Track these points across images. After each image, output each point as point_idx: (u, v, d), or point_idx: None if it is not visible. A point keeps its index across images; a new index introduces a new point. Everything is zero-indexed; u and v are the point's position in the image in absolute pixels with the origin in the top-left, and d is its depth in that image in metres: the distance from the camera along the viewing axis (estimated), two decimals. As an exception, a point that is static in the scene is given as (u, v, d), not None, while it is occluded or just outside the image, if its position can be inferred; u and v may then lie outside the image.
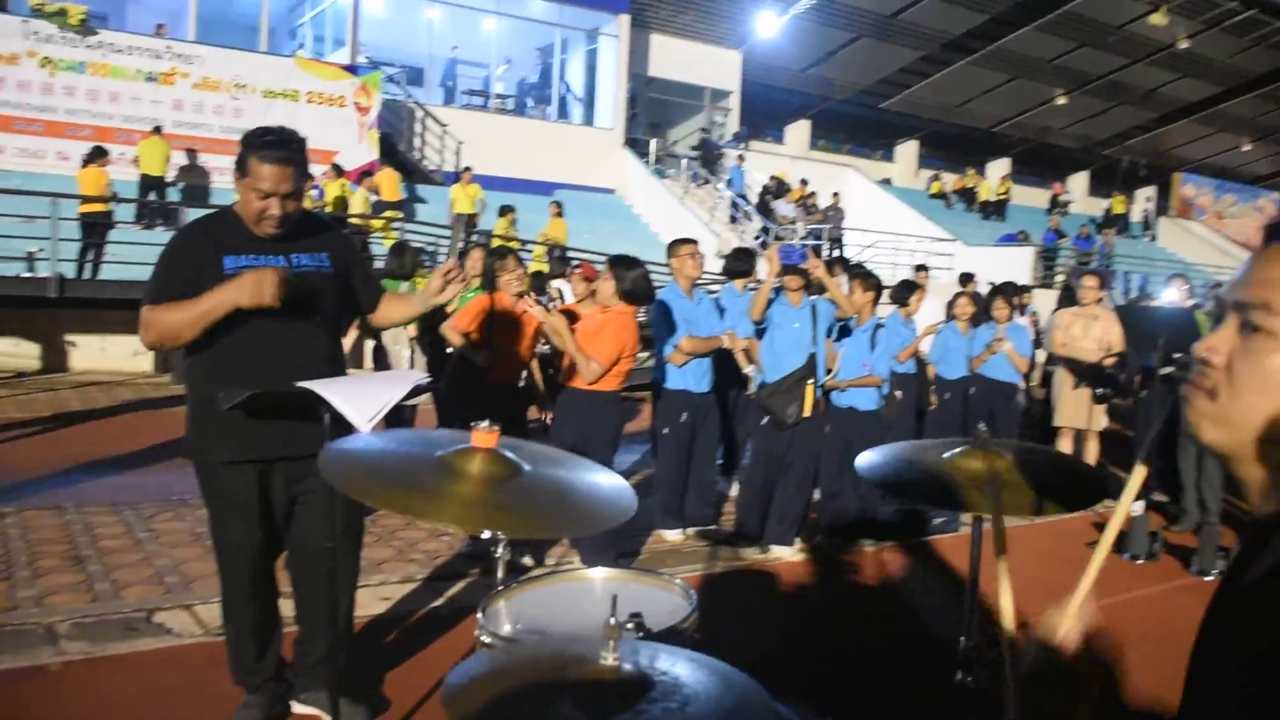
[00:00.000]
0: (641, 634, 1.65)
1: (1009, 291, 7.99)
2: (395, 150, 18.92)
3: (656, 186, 21.70)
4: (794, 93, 27.53)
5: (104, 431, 8.82)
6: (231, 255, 3.07)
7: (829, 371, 6.19)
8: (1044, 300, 15.53)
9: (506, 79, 22.38)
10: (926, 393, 8.14)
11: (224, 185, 16.15)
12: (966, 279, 10.36)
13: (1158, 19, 24.77)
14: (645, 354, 7.78)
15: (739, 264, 7.35)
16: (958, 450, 2.30)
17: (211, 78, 16.66)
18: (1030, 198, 29.65)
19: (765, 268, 6.32)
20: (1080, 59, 27.64)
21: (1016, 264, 19.17)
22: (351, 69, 18.14)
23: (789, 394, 5.77)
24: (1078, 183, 33.46)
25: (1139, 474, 1.27)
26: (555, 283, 10.14)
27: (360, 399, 2.77)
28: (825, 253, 18.72)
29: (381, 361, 7.00)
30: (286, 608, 3.42)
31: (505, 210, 15.89)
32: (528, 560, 5.44)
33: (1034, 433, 9.32)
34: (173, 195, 15.73)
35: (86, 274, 12.44)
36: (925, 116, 29.74)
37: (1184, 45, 26.75)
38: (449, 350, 6.04)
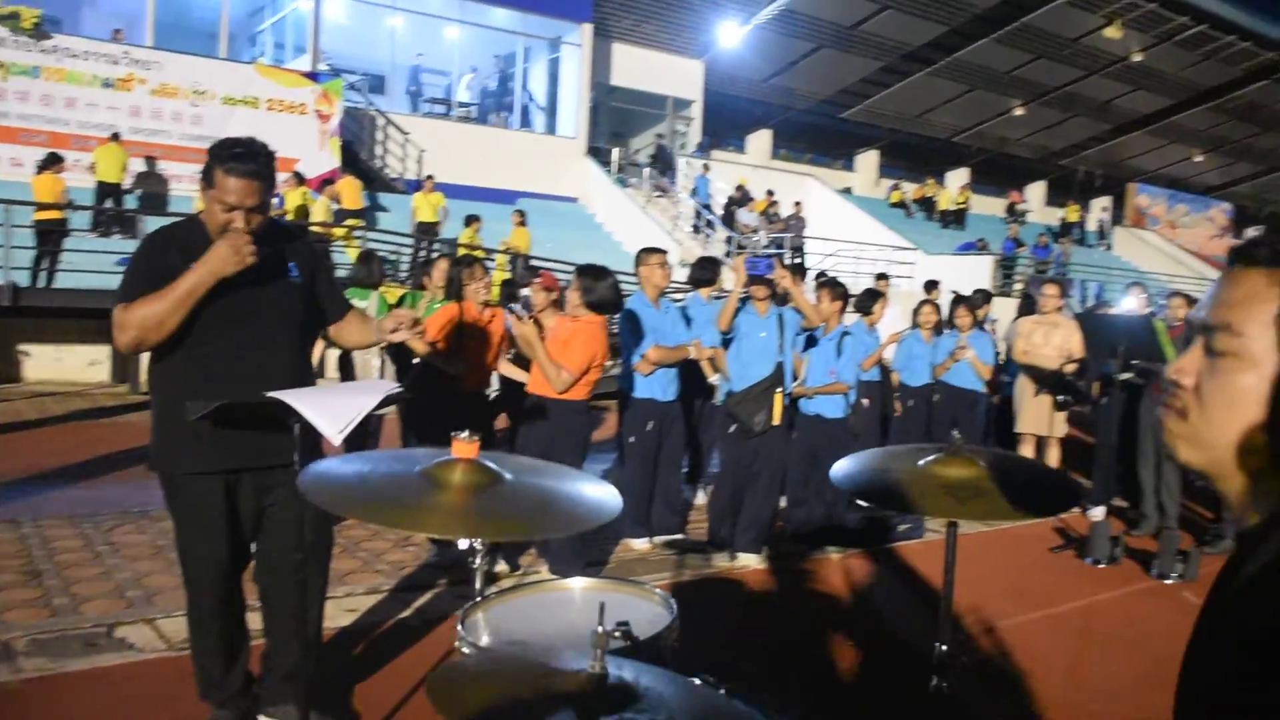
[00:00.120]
0: (629, 642, 1.64)
1: (975, 301, 8.08)
2: (357, 158, 18.81)
3: (619, 195, 21.72)
4: (755, 102, 27.75)
5: (60, 443, 8.66)
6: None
7: (796, 379, 6.22)
8: (1003, 308, 15.71)
9: (470, 87, 22.31)
10: (891, 400, 8.22)
11: (183, 193, 15.96)
12: (931, 286, 10.44)
13: (1112, 32, 25.28)
14: (610, 362, 7.77)
15: (704, 273, 7.36)
16: (932, 457, 2.33)
17: (170, 84, 16.48)
18: (989, 207, 30.04)
19: (732, 278, 6.34)
20: (1037, 71, 28.13)
21: (976, 272, 19.35)
22: (313, 76, 18.00)
23: (757, 402, 5.80)
24: (1035, 192, 33.93)
25: None
26: (524, 291, 10.10)
27: (332, 409, 2.74)
28: (787, 260, 18.80)
29: (347, 371, 6.93)
30: (253, 620, 3.37)
31: (471, 220, 15.83)
32: (502, 567, 5.41)
33: (994, 439, 9.42)
34: (130, 202, 15.51)
35: (41, 282, 12.19)
36: (885, 126, 30.11)
37: (1138, 58, 27.32)
38: (414, 360, 6.01)
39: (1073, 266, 23.87)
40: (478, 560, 2.06)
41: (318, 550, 3.29)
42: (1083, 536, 6.60)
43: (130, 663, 3.97)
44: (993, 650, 4.68)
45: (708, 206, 22.00)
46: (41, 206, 12.39)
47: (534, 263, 13.79)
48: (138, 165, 15.82)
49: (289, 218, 14.56)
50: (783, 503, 6.45)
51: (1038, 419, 7.95)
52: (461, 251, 12.40)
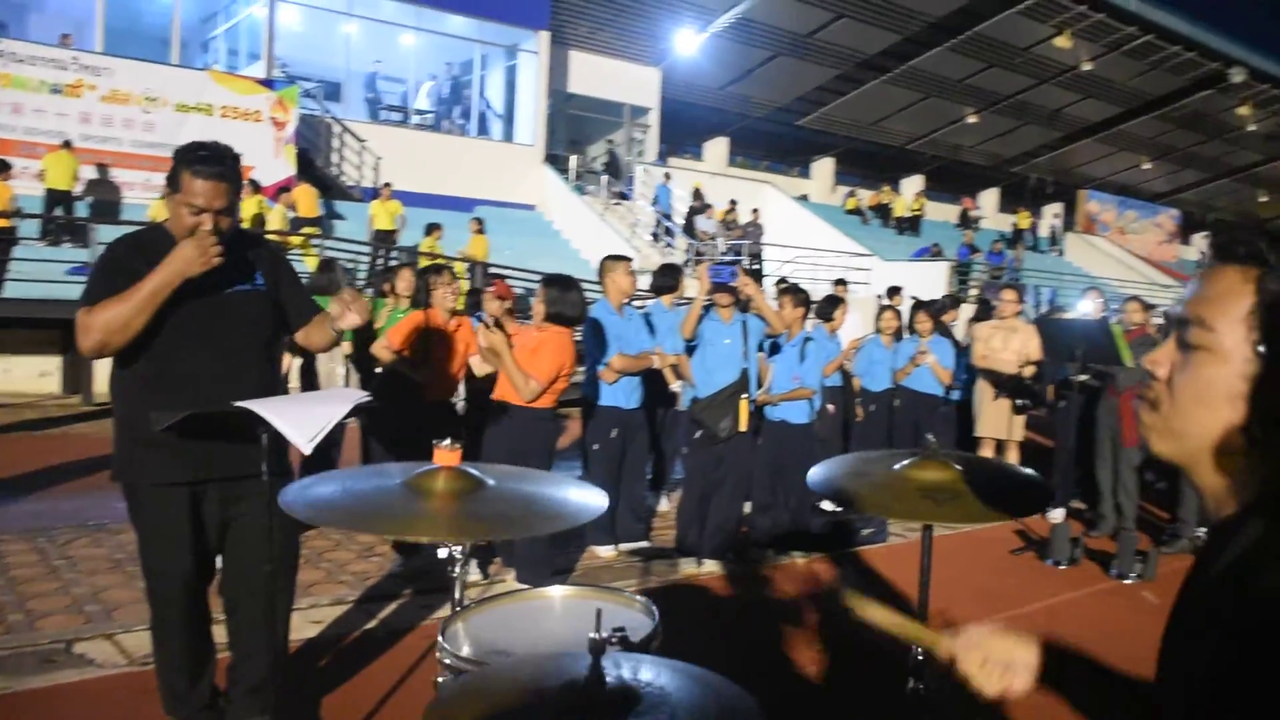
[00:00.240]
0: (623, 650, 1.64)
1: (937, 306, 8.15)
2: (313, 166, 18.62)
3: (576, 203, 21.70)
4: (712, 110, 27.85)
5: (11, 455, 8.47)
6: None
7: (761, 385, 6.25)
8: (959, 313, 15.86)
9: (430, 95, 22.19)
10: (853, 405, 8.28)
11: (135, 200, 15.71)
12: (894, 292, 10.53)
13: (1062, 42, 25.72)
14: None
15: (666, 280, 7.37)
16: (908, 461, 2.35)
17: (121, 90, 16.22)
18: (943, 213, 30.39)
19: (695, 285, 6.36)
20: (989, 79, 28.53)
21: (931, 278, 19.57)
22: (267, 83, 17.81)
23: (722, 408, 5.81)
24: (988, 199, 34.40)
25: None
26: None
27: (301, 418, 2.71)
28: (745, 267, 18.86)
29: (309, 380, 6.85)
30: (218, 633, 3.32)
31: (432, 228, 15.74)
32: (473, 575, 5.38)
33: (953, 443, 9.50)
34: (81, 210, 15.24)
35: (-12, 292, 11.96)
36: (841, 134, 30.35)
37: (1087, 67, 27.81)
38: (377, 370, 5.96)
39: (1025, 272, 24.22)
40: (457, 569, 2.04)
41: (285, 562, 3.24)
42: (1043, 538, 6.69)
43: (91, 679, 3.89)
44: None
45: (668, 215, 22.04)
46: (-12, 214, 12.16)
47: (493, 270, 13.75)
48: (89, 173, 15.55)
49: (244, 226, 14.39)
50: (747, 508, 6.47)
51: (997, 423, 8.04)
52: (424, 261, 12.30)
